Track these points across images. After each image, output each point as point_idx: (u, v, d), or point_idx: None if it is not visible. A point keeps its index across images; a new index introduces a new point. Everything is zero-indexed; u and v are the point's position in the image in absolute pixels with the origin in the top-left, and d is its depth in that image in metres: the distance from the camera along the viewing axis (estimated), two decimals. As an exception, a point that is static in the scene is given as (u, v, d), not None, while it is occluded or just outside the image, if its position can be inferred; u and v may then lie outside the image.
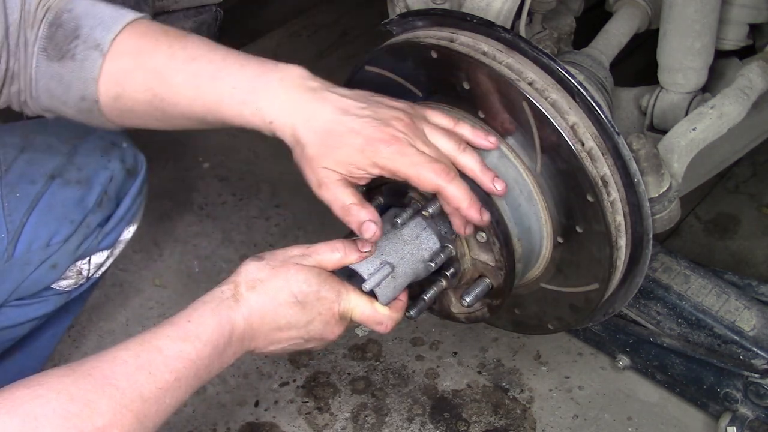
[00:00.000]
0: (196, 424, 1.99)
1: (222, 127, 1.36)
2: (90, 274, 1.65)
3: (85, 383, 1.10)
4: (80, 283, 1.65)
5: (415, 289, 1.47)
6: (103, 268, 1.68)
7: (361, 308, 1.34)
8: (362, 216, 1.28)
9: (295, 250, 1.33)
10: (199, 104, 1.32)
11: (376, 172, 1.28)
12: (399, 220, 1.37)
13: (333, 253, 1.33)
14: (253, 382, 2.08)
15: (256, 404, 2.04)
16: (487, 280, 1.44)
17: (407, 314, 1.44)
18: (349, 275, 1.37)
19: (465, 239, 1.42)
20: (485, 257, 1.42)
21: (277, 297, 1.28)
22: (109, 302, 2.28)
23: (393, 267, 1.35)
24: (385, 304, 1.36)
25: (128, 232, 1.68)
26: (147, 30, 1.36)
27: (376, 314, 1.35)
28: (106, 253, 1.65)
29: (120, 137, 1.66)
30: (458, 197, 1.28)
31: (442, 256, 1.42)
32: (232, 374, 2.09)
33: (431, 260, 1.41)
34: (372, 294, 1.35)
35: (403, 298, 1.41)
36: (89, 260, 1.62)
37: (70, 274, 1.60)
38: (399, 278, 1.37)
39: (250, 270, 1.30)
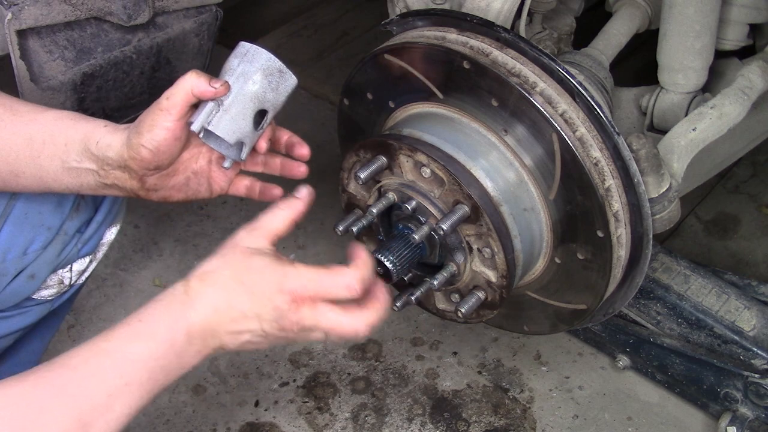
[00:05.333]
0: (196, 424, 1.99)
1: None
2: (72, 282, 1.60)
3: (38, 391, 1.08)
4: (63, 291, 1.60)
5: (404, 283, 1.52)
6: (86, 274, 1.62)
7: (310, 278, 1.22)
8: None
9: (241, 232, 1.29)
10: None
11: None
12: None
13: (275, 218, 1.30)
14: (253, 382, 2.08)
15: (256, 404, 2.04)
16: (481, 294, 1.46)
17: (393, 306, 1.45)
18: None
19: (470, 252, 1.44)
20: (487, 273, 1.44)
21: (226, 285, 1.21)
22: (109, 302, 2.27)
23: (219, 102, 1.29)
24: (235, 140, 1.32)
25: (111, 234, 1.63)
26: None
27: (330, 276, 1.23)
28: (87, 258, 1.60)
29: None
30: None
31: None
32: (232, 374, 2.09)
33: (266, 75, 1.33)
34: (212, 139, 1.28)
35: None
36: (70, 268, 1.58)
37: (51, 283, 1.56)
38: (233, 107, 1.30)
39: (203, 264, 1.24)
